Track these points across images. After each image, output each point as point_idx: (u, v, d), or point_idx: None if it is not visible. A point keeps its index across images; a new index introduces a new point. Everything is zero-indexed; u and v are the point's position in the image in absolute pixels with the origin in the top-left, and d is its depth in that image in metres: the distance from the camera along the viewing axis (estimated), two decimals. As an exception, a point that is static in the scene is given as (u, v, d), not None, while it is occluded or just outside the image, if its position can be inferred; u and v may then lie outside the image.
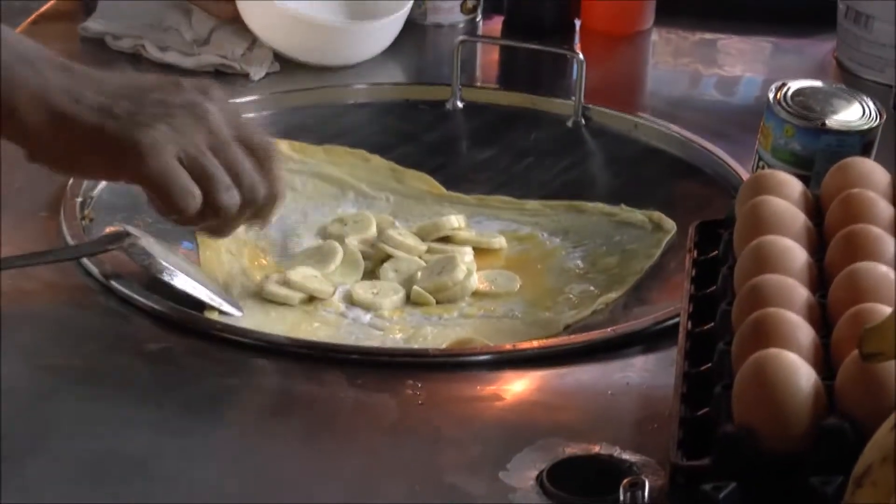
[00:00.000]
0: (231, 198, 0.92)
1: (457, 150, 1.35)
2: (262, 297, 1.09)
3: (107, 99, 0.88)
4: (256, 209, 0.95)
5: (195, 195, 0.90)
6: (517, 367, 0.97)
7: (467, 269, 1.13)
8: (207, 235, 1.05)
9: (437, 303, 1.11)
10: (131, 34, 1.44)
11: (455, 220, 1.20)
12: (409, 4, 1.45)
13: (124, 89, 0.90)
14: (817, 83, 1.15)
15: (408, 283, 1.13)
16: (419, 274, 1.13)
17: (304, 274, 1.11)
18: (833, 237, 0.90)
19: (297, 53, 1.41)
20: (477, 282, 1.13)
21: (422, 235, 1.19)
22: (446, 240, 1.19)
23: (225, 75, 1.39)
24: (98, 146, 0.88)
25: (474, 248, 1.18)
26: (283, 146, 1.26)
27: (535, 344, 1.01)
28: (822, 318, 0.84)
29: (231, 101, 0.94)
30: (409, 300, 1.11)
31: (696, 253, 0.97)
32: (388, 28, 1.43)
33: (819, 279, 0.88)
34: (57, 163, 0.91)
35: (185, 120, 0.90)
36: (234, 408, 0.91)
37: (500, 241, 1.19)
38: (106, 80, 0.90)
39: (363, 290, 1.11)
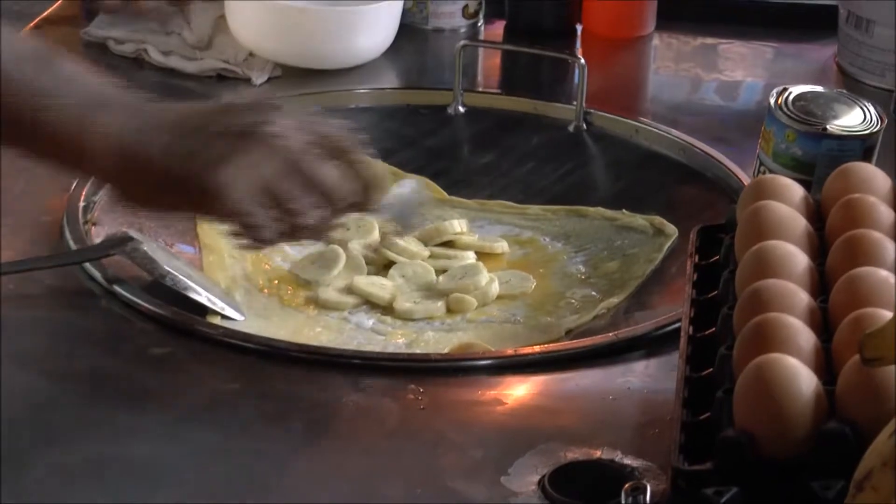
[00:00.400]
0: (315, 216, 0.90)
1: (458, 155, 1.35)
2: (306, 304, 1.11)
3: (174, 138, 0.87)
4: (355, 204, 0.92)
5: (273, 227, 0.89)
6: (519, 372, 0.97)
7: (490, 276, 1.14)
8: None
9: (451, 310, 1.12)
10: (134, 39, 1.44)
11: (457, 225, 1.20)
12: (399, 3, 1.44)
13: (188, 121, 0.88)
14: (818, 88, 1.15)
15: (424, 288, 1.13)
16: (441, 279, 1.13)
17: (365, 281, 1.12)
18: (834, 242, 0.90)
19: (285, 52, 1.40)
20: (498, 288, 1.13)
21: (424, 240, 1.19)
22: (448, 244, 1.19)
23: (226, 79, 1.39)
24: (173, 188, 0.88)
25: (476, 253, 1.18)
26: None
27: (537, 349, 1.01)
28: (822, 322, 0.84)
29: (293, 103, 0.92)
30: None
31: (697, 257, 0.97)
32: (371, 18, 1.42)
33: (820, 284, 0.88)
34: (140, 203, 0.91)
35: (252, 149, 0.87)
36: (236, 412, 0.92)
37: (503, 246, 1.19)
38: (169, 113, 0.89)
39: (405, 300, 1.11)
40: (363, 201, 0.92)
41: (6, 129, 0.87)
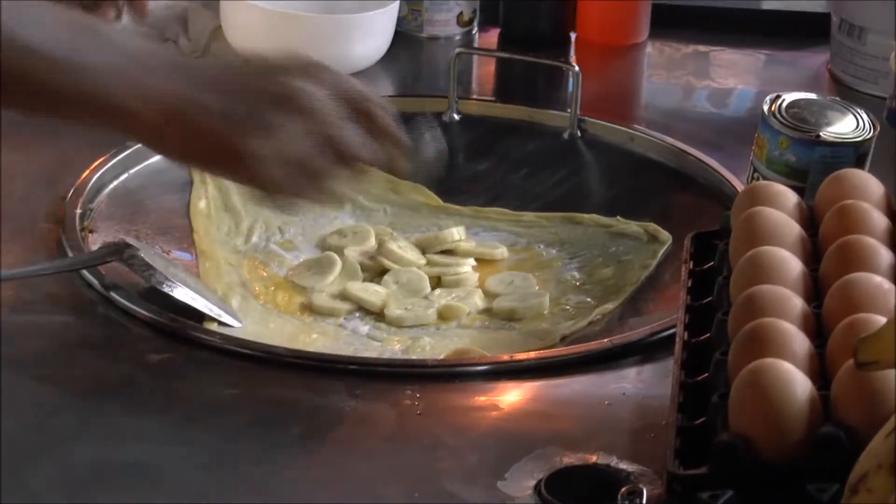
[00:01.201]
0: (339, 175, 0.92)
1: (453, 162, 1.35)
2: (299, 308, 1.12)
3: (213, 97, 0.89)
4: (381, 163, 0.95)
5: (296, 190, 0.91)
6: (514, 378, 0.97)
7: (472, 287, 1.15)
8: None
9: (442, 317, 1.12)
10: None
11: (456, 233, 1.20)
12: (392, 6, 1.44)
13: (226, 82, 0.90)
14: (811, 95, 1.16)
15: (416, 295, 1.14)
16: (438, 292, 1.14)
17: (358, 287, 1.12)
18: (827, 248, 0.90)
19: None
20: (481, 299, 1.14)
21: (423, 247, 1.19)
22: (448, 251, 1.19)
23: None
24: (208, 146, 0.89)
25: (476, 259, 1.19)
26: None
27: (532, 355, 1.01)
28: (816, 327, 0.85)
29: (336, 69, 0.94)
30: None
31: (691, 264, 0.98)
32: (366, 26, 1.42)
33: (814, 289, 0.89)
34: (176, 157, 0.93)
35: (283, 116, 0.89)
36: (233, 418, 0.92)
37: (502, 252, 1.20)
38: (209, 70, 0.91)
39: (396, 306, 1.11)
40: (391, 165, 0.95)
41: (49, 99, 0.87)
